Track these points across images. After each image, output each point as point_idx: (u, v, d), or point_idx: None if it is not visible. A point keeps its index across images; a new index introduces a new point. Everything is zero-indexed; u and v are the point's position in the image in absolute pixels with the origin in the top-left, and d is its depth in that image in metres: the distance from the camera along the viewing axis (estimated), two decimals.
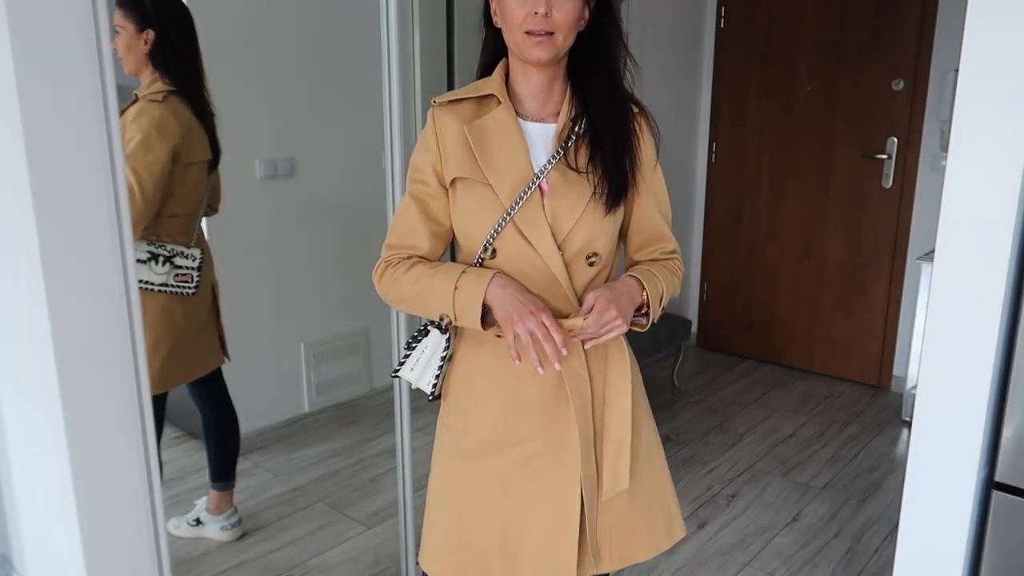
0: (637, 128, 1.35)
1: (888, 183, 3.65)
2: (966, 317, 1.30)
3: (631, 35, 3.72)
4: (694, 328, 4.40)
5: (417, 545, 2.39)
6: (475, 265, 1.32)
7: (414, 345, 1.39)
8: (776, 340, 4.14)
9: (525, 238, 1.27)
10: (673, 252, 1.43)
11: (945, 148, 3.35)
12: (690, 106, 4.15)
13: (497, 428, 1.35)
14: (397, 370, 1.44)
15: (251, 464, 3.00)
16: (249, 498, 2.77)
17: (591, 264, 1.31)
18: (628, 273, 1.35)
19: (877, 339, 3.83)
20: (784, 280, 4.06)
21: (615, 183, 1.29)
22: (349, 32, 3.30)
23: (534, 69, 1.29)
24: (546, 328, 1.20)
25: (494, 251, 1.29)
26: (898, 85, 3.54)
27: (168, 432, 3.16)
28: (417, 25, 2.25)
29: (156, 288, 2.16)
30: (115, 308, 1.46)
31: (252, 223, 3.12)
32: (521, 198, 1.27)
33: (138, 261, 2.19)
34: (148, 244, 2.15)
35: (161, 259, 2.15)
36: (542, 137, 1.32)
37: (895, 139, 3.60)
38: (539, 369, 1.24)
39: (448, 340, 1.35)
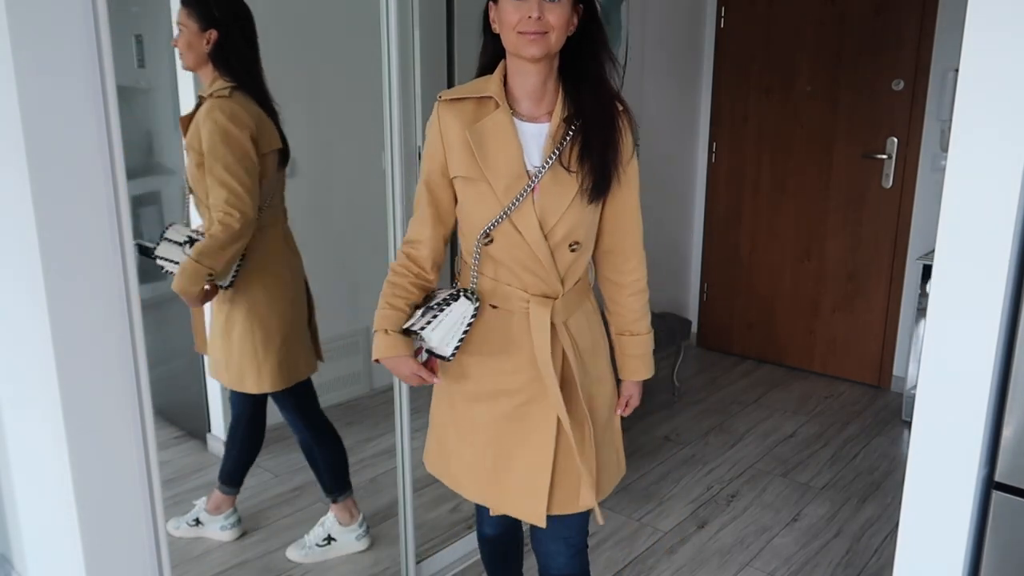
0: (620, 125, 1.52)
1: (888, 183, 3.65)
2: (966, 317, 1.30)
3: (631, 35, 3.73)
4: (694, 328, 4.40)
5: (417, 546, 2.39)
6: (476, 250, 1.51)
7: (438, 310, 1.52)
8: (776, 340, 4.14)
9: (517, 230, 1.46)
10: (638, 279, 1.63)
11: (945, 148, 3.35)
12: (690, 106, 4.15)
13: (495, 380, 1.57)
14: (414, 331, 1.54)
15: None
16: (249, 498, 2.77)
17: (573, 250, 1.51)
18: (633, 377, 1.70)
19: (877, 339, 3.82)
20: (784, 280, 4.06)
21: (600, 179, 1.47)
22: (349, 32, 3.30)
23: (530, 68, 1.43)
24: (417, 377, 1.56)
25: (491, 239, 1.49)
26: (898, 85, 3.54)
27: (168, 432, 3.15)
28: (417, 25, 2.25)
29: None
30: (115, 309, 1.46)
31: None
32: (519, 198, 1.44)
33: (173, 242, 2.17)
34: (192, 231, 2.15)
35: (194, 244, 2.12)
36: (536, 137, 1.47)
37: (895, 139, 3.59)
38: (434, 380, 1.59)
39: (475, 312, 1.51)
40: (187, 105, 2.64)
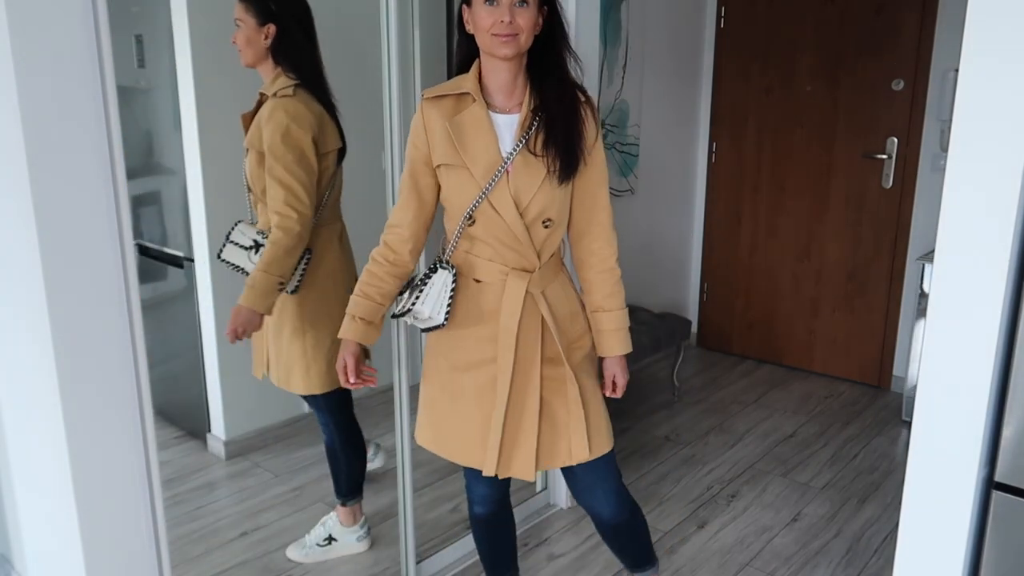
0: (583, 113, 1.66)
1: (888, 183, 3.65)
2: (966, 317, 1.30)
3: (631, 35, 3.73)
4: (694, 328, 4.40)
5: (417, 546, 2.39)
6: (459, 229, 1.66)
7: (422, 286, 1.69)
8: (776, 340, 4.14)
9: (495, 210, 1.62)
10: (607, 257, 1.76)
11: (945, 148, 3.35)
12: (690, 106, 4.15)
13: (480, 349, 1.71)
14: (402, 314, 1.72)
15: (251, 464, 3.00)
16: (249, 498, 2.77)
17: (546, 227, 1.68)
18: (612, 353, 1.79)
19: (877, 339, 3.83)
20: (784, 280, 4.06)
21: (566, 162, 1.62)
22: (349, 32, 3.30)
23: (502, 65, 1.60)
24: (344, 372, 1.77)
25: (473, 220, 1.65)
26: (898, 85, 3.54)
27: (168, 432, 3.16)
28: (417, 25, 2.25)
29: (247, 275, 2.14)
30: (115, 309, 1.46)
31: None
32: (493, 180, 1.60)
33: (239, 246, 2.17)
34: (257, 232, 2.14)
35: (260, 249, 2.12)
36: (508, 127, 1.64)
37: (895, 139, 3.59)
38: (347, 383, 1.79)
39: (455, 277, 1.67)
40: (188, 105, 2.64)
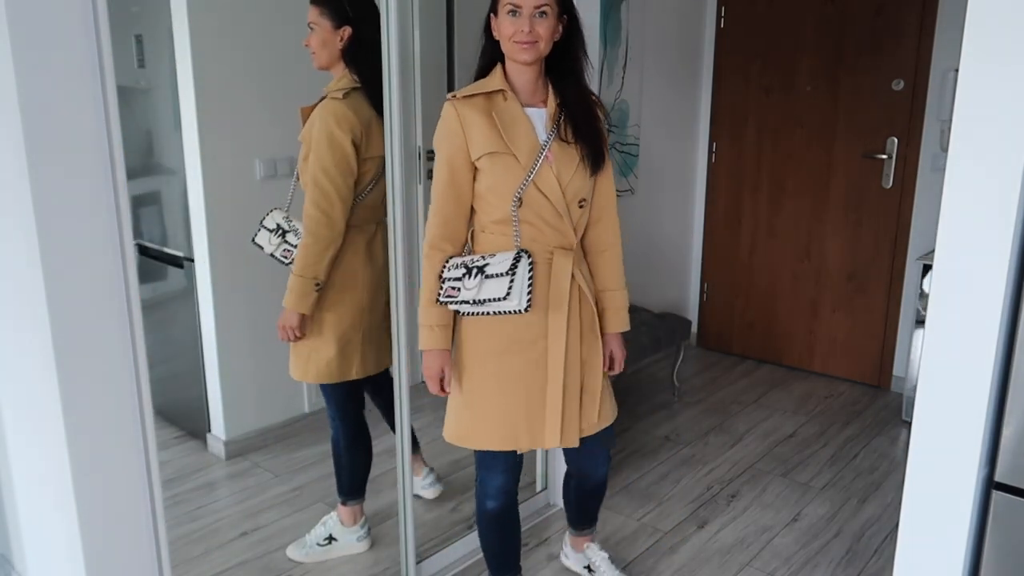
0: (597, 112, 1.87)
1: (888, 183, 3.65)
2: (966, 317, 1.30)
3: (631, 35, 3.73)
4: (694, 328, 4.40)
5: (417, 546, 2.39)
6: (513, 216, 1.77)
7: (511, 275, 1.75)
8: (776, 340, 4.14)
9: (541, 191, 1.79)
10: (615, 242, 1.96)
11: (945, 148, 3.35)
12: (690, 106, 4.15)
13: (526, 328, 1.84)
14: (476, 302, 1.76)
15: (251, 464, 3.00)
16: (249, 498, 2.77)
17: (581, 207, 1.86)
18: (617, 330, 1.98)
19: (877, 339, 3.83)
20: (784, 280, 4.06)
21: (593, 152, 1.82)
22: None
23: (523, 68, 1.77)
24: (439, 382, 1.88)
25: (521, 202, 1.78)
26: (898, 85, 3.54)
27: (168, 432, 3.16)
28: (417, 25, 2.25)
29: (269, 256, 2.24)
30: (115, 309, 1.46)
31: (252, 223, 3.11)
32: (536, 164, 1.77)
33: (267, 229, 2.26)
34: (284, 218, 2.22)
35: (280, 232, 2.21)
36: (539, 118, 1.82)
37: (895, 139, 3.59)
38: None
39: (531, 264, 1.76)
40: (188, 105, 2.64)
